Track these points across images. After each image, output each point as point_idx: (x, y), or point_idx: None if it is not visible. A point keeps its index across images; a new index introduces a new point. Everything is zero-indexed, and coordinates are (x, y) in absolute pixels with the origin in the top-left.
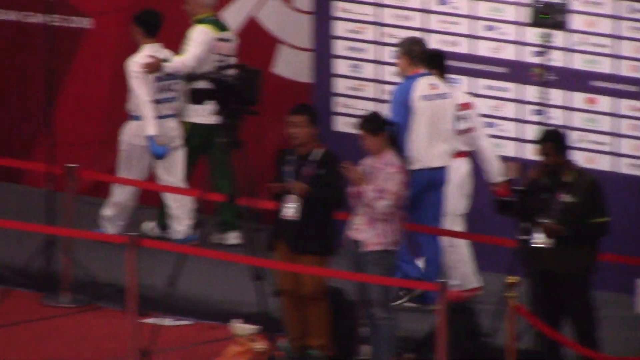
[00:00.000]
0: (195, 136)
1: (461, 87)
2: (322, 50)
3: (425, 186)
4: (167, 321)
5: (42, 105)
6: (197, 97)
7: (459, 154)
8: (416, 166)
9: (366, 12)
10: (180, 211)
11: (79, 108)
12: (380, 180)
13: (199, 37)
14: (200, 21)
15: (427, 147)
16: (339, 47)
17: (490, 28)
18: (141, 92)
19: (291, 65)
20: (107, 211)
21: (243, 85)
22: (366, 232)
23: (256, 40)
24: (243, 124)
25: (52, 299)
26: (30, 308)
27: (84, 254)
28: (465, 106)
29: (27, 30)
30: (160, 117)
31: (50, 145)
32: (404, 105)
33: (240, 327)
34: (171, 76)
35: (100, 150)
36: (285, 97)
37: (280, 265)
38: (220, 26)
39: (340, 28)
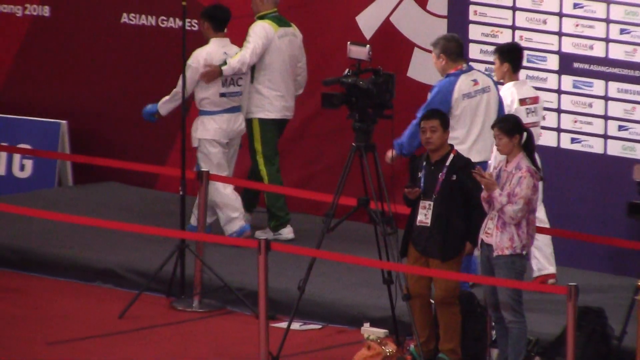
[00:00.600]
0: (268, 132)
1: (528, 81)
2: None
3: None
4: (297, 325)
5: (176, 110)
6: (330, 101)
7: None
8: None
9: (501, 15)
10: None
11: None
12: (510, 184)
13: (257, 33)
14: (262, 17)
15: (468, 143)
16: (474, 50)
17: (624, 31)
18: (187, 84)
19: (425, 69)
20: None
21: (377, 89)
22: (497, 236)
23: (391, 44)
24: (377, 128)
25: (183, 304)
26: (161, 312)
27: (215, 258)
28: (534, 100)
29: (163, 35)
30: (224, 110)
31: (183, 150)
32: (444, 104)
33: (370, 331)
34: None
35: None
36: (419, 101)
37: (412, 269)
38: (282, 22)
39: (475, 32)
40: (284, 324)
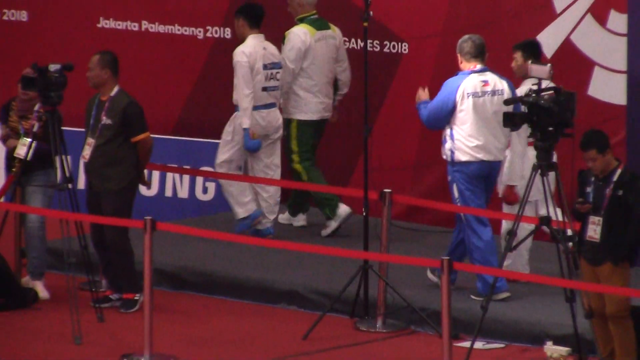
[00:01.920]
0: (305, 133)
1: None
2: (637, 72)
3: (477, 177)
4: (480, 344)
5: (359, 131)
6: (512, 120)
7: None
8: (463, 158)
9: None
10: (268, 203)
11: (394, 133)
12: None
13: (292, 41)
14: (301, 20)
15: (474, 141)
16: None
17: None
18: (241, 83)
19: (606, 87)
20: (239, 211)
21: (558, 108)
22: None
23: (571, 63)
24: (557, 146)
25: (366, 324)
26: (345, 333)
27: (398, 277)
28: None
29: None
30: (264, 106)
31: (366, 170)
32: (447, 99)
33: (553, 349)
34: (276, 64)
35: (415, 174)
36: (599, 119)
37: (593, 287)
38: (321, 25)
39: None
40: (467, 343)
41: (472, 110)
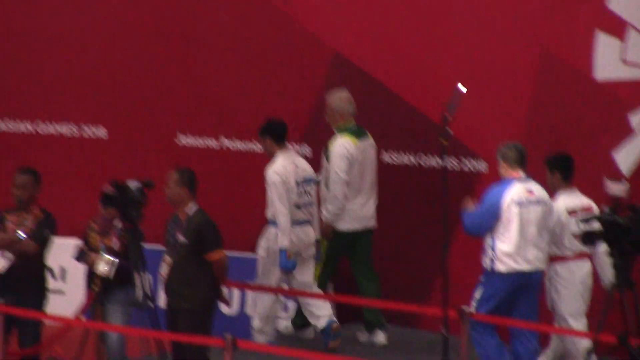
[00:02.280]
0: (339, 243)
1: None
2: None
3: (517, 289)
4: None
5: (438, 248)
6: (589, 238)
7: (581, 255)
8: (504, 269)
9: None
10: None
11: (472, 250)
12: None
13: (339, 154)
14: (340, 130)
15: (516, 251)
16: None
17: None
18: (278, 203)
19: None
20: (256, 323)
21: (636, 226)
22: None
23: None
24: (634, 265)
25: None
26: None
27: None
28: (587, 209)
29: (423, 173)
30: (297, 223)
31: (445, 288)
32: (493, 207)
33: None
34: (308, 180)
35: None
36: None
37: None
38: (361, 134)
39: None
40: None
41: (516, 219)
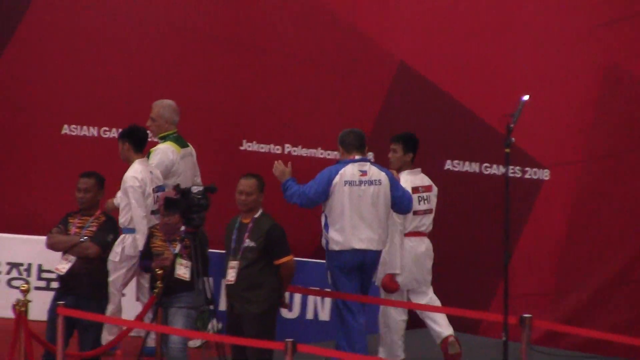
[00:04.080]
0: None
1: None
2: None
3: (352, 267)
4: None
5: (499, 256)
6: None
7: (417, 233)
8: (336, 247)
9: None
10: None
11: (534, 258)
12: None
13: (162, 156)
14: (164, 138)
15: (349, 231)
16: None
17: None
18: (136, 207)
19: None
20: None
21: None
22: None
23: None
24: None
25: None
26: None
27: None
28: (427, 188)
29: (485, 181)
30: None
31: (506, 295)
32: (324, 185)
33: None
34: (161, 188)
35: (555, 300)
36: None
37: None
38: (182, 143)
39: None
40: None
41: (347, 199)
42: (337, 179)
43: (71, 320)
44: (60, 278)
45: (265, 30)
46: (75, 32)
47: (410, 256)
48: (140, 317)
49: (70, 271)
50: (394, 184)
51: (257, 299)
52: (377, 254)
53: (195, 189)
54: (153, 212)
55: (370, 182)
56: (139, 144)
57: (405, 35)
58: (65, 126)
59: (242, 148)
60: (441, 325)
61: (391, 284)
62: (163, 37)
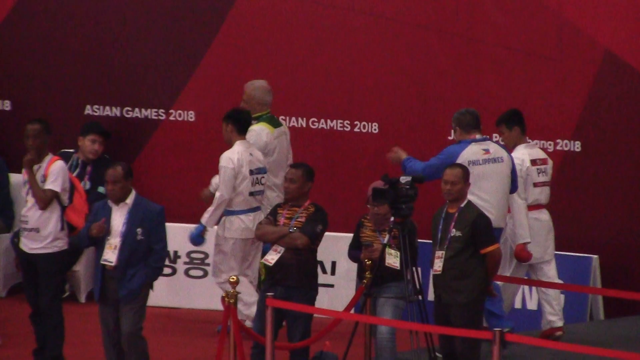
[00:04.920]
0: None
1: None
2: None
3: None
4: None
5: None
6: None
7: (537, 206)
8: None
9: None
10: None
11: None
12: None
13: (255, 138)
14: (257, 118)
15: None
16: None
17: None
18: (223, 188)
19: None
20: None
21: None
22: None
23: None
24: None
25: None
26: None
27: None
28: (544, 161)
29: None
30: (251, 209)
31: None
32: (449, 161)
33: None
34: (261, 170)
35: None
36: None
37: None
38: (276, 123)
39: None
40: None
41: (475, 178)
42: (460, 159)
43: (280, 312)
44: (269, 269)
45: (471, 18)
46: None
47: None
48: (349, 308)
49: (279, 262)
50: (513, 162)
51: (464, 288)
52: (499, 231)
53: (403, 179)
54: (252, 194)
55: (494, 160)
56: (242, 126)
57: (613, 23)
58: None
59: (450, 138)
60: (555, 314)
61: (524, 253)
62: (371, 29)
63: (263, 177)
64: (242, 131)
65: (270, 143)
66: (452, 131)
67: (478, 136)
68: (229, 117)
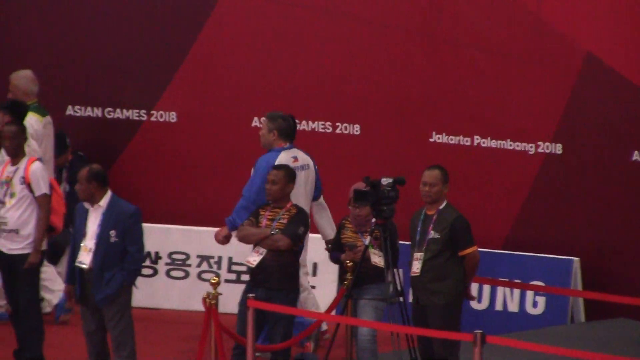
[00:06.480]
0: None
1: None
2: None
3: None
4: None
5: None
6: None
7: None
8: None
9: None
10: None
11: None
12: None
13: (29, 126)
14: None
15: None
16: None
17: None
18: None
19: None
20: None
21: None
22: None
23: None
24: None
25: None
26: None
27: None
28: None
29: None
30: None
31: None
32: (265, 174)
33: None
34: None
35: None
36: None
37: None
38: (43, 112)
39: None
40: None
41: None
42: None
43: (262, 313)
44: (251, 271)
45: (451, 22)
46: None
47: None
48: (330, 310)
49: (261, 264)
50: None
51: (442, 290)
52: None
53: (384, 181)
54: None
55: (302, 167)
56: (21, 117)
57: (593, 26)
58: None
59: (431, 140)
60: None
61: None
62: (357, 33)
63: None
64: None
65: (39, 131)
66: (266, 131)
67: (288, 144)
68: (5, 107)
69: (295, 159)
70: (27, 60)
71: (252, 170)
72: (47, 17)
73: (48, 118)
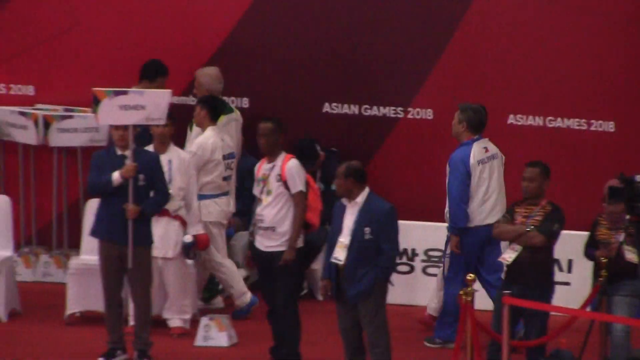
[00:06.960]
0: None
1: None
2: None
3: (484, 242)
4: None
5: None
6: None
7: None
8: (472, 224)
9: None
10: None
11: None
12: None
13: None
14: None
15: (488, 205)
16: None
17: None
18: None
19: None
20: None
21: None
22: None
23: None
24: None
25: None
26: None
27: None
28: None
29: None
30: (224, 194)
31: None
32: (463, 169)
33: None
34: (232, 155)
35: None
36: None
37: None
38: (228, 109)
39: None
40: None
41: (481, 176)
42: (472, 160)
43: (517, 309)
44: (507, 267)
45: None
46: None
47: None
48: (585, 306)
49: (516, 260)
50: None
51: None
52: None
53: (638, 178)
54: (225, 178)
55: (493, 157)
56: (216, 113)
57: None
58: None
59: None
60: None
61: None
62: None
63: (233, 162)
64: (214, 117)
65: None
66: (456, 122)
67: (477, 136)
68: (203, 101)
69: (486, 149)
70: (283, 58)
71: (447, 167)
72: (301, 15)
73: (232, 115)
